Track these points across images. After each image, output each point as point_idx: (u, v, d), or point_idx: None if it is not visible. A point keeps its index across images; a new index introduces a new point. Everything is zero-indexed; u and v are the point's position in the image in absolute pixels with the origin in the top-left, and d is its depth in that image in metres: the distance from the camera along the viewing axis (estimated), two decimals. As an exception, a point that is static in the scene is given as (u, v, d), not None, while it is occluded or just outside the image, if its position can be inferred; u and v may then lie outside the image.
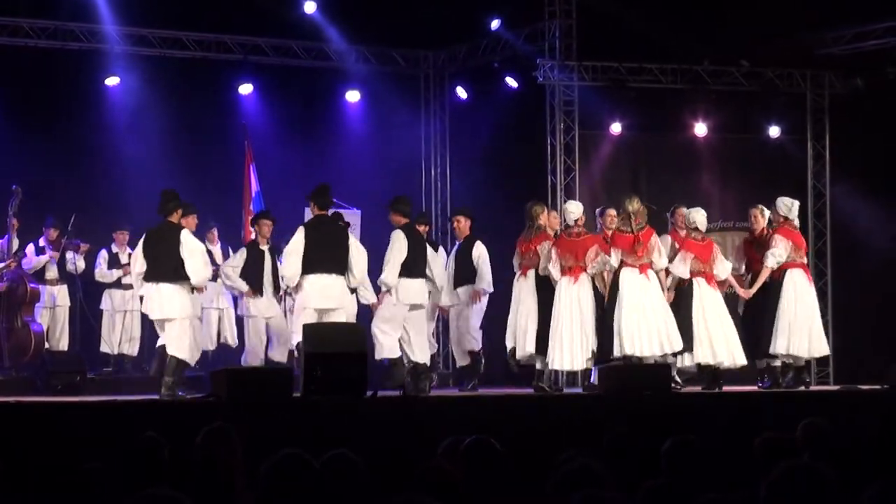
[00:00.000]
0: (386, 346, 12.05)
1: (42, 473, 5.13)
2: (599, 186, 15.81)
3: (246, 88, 16.21)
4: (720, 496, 4.45)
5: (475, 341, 13.12)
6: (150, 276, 11.57)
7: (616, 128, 15.92)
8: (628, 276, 11.92)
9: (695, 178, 15.92)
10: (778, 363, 12.58)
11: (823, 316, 15.30)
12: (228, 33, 15.98)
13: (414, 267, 12.18)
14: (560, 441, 6.58)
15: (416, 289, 12.22)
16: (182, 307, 11.50)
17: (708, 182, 15.92)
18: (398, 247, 12.10)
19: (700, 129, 16.01)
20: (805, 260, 12.82)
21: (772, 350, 12.42)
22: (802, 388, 12.58)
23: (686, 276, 12.23)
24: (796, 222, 12.90)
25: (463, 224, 13.44)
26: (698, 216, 12.52)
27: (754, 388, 12.61)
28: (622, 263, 11.96)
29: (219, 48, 16.05)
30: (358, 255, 11.84)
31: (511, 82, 16.34)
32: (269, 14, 15.50)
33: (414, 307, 12.23)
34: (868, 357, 14.24)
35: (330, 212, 12.36)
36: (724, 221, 15.60)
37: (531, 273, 12.35)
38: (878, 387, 12.07)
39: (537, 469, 5.06)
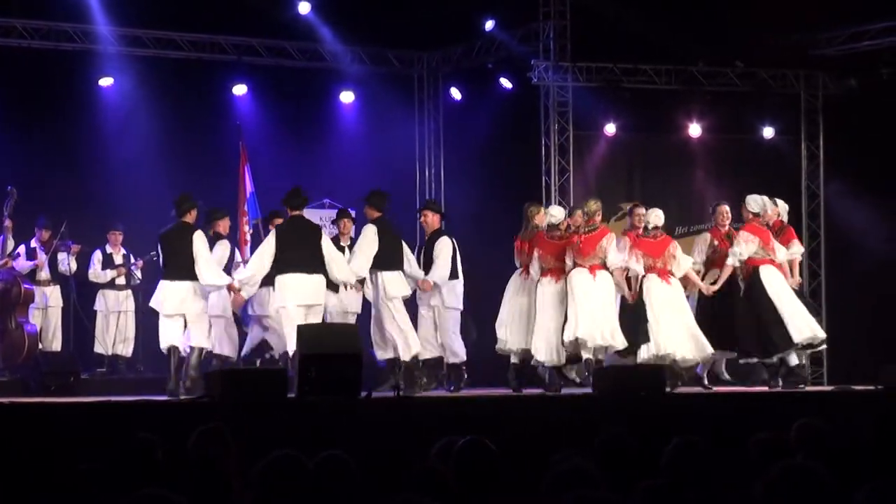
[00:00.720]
0: (412, 344, 12.13)
1: (37, 474, 5.13)
2: (594, 187, 15.82)
3: (240, 89, 16.20)
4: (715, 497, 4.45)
5: (455, 356, 12.77)
6: (167, 274, 12.01)
7: (610, 128, 15.93)
8: (577, 277, 12.19)
9: (689, 179, 15.94)
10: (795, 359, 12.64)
11: (817, 316, 15.35)
12: (222, 34, 15.96)
13: (390, 260, 12.20)
14: (555, 442, 6.57)
15: (396, 281, 12.24)
16: (196, 303, 11.89)
17: (702, 182, 15.94)
18: (368, 240, 12.13)
19: (694, 129, 16.03)
20: (775, 256, 12.72)
21: (797, 339, 12.46)
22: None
23: (641, 272, 12.36)
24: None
25: (430, 218, 13.02)
26: (651, 216, 12.63)
27: (751, 388, 12.60)
28: (574, 264, 12.24)
29: (213, 49, 16.04)
30: (332, 255, 11.88)
31: (505, 83, 16.35)
32: (263, 15, 15.50)
33: (395, 300, 12.26)
34: (862, 358, 14.24)
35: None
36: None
37: None
38: (871, 387, 12.07)
39: (532, 470, 5.06)
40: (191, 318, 11.93)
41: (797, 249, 13.01)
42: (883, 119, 15.38)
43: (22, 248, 14.33)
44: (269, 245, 11.83)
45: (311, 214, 15.06)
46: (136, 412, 9.30)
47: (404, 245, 12.53)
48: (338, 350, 10.37)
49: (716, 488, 5.09)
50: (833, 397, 12.26)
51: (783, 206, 13.13)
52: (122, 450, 5.62)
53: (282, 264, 11.74)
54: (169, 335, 11.99)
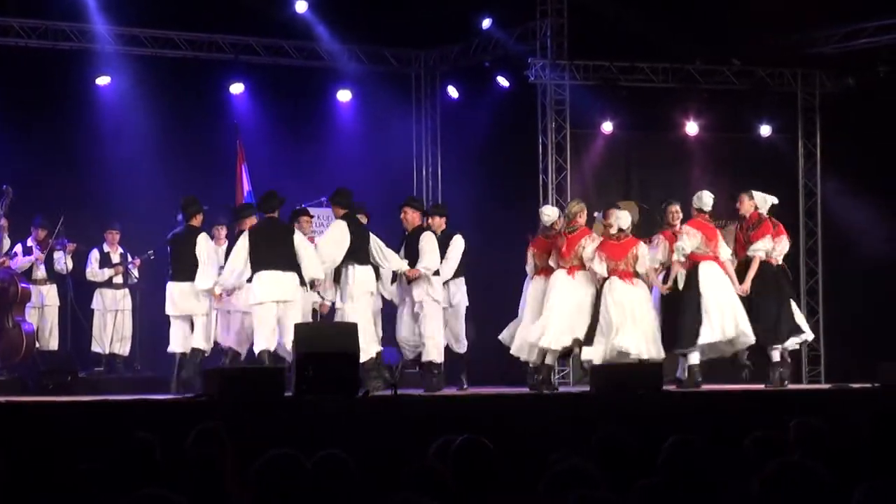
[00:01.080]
0: (369, 348, 11.83)
1: (34, 474, 5.13)
2: (591, 185, 15.84)
3: (237, 88, 16.19)
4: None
5: (435, 352, 12.51)
6: (173, 275, 12.48)
7: (607, 127, 15.94)
8: (554, 279, 12.37)
9: (686, 177, 15.93)
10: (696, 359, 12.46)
11: (815, 314, 15.37)
12: (220, 33, 15.96)
13: (360, 255, 12.11)
14: (552, 440, 6.58)
15: (367, 275, 12.14)
16: (200, 304, 12.36)
17: (699, 180, 15.91)
18: (339, 234, 12.07)
19: (691, 127, 16.03)
20: (720, 252, 12.47)
21: (703, 339, 12.26)
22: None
23: (604, 273, 12.26)
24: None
25: (410, 215, 12.72)
26: (614, 218, 12.48)
27: (743, 386, 12.58)
28: (558, 265, 12.42)
29: (210, 48, 16.03)
30: (304, 252, 11.91)
31: (502, 81, 16.35)
32: (260, 14, 15.49)
33: (364, 295, 12.13)
34: (859, 355, 14.25)
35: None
36: (714, 220, 15.57)
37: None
38: (869, 385, 12.07)
39: (529, 469, 5.06)
40: (196, 318, 12.37)
41: (760, 246, 12.61)
42: (880, 117, 15.39)
43: (19, 247, 14.33)
44: (242, 248, 11.96)
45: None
46: (134, 411, 9.30)
47: (378, 241, 12.37)
48: (335, 349, 10.38)
49: (713, 486, 5.09)
50: (831, 395, 12.26)
51: (760, 199, 12.79)
52: (119, 449, 5.62)
53: (256, 263, 11.86)
54: (177, 340, 12.46)
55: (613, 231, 12.39)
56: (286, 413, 9.31)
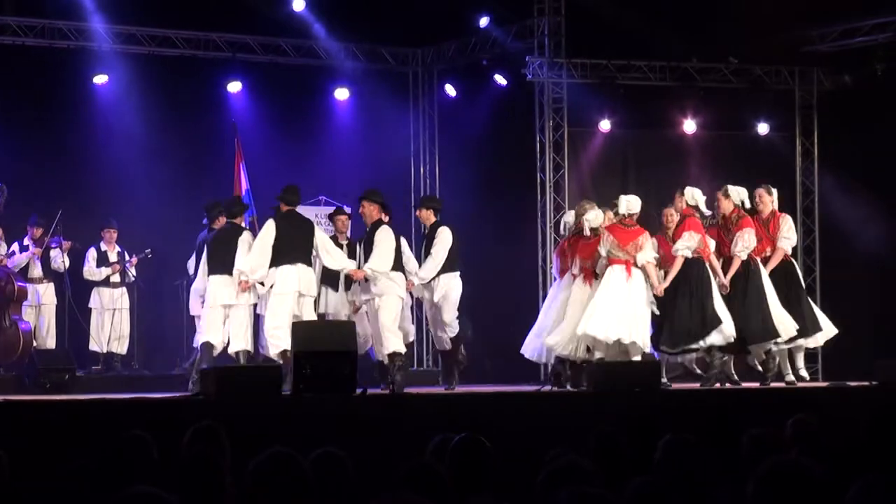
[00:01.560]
0: (280, 343, 11.60)
1: (30, 472, 5.12)
2: (589, 183, 15.84)
3: (234, 86, 16.18)
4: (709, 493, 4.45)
5: (394, 342, 12.06)
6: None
7: (605, 125, 15.95)
8: (560, 283, 12.64)
9: (683, 175, 15.93)
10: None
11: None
12: (217, 31, 15.95)
13: (289, 253, 11.84)
14: (550, 438, 6.58)
15: (292, 276, 11.79)
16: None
17: (696, 179, 15.91)
18: (262, 236, 11.93)
19: (689, 125, 16.04)
20: (640, 256, 12.04)
21: (577, 331, 12.01)
22: None
23: (575, 272, 12.34)
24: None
25: (368, 209, 12.35)
26: (588, 217, 12.35)
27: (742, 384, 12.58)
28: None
29: (208, 46, 16.02)
30: (238, 248, 12.02)
31: (500, 80, 16.35)
32: (257, 12, 15.48)
33: (300, 295, 11.83)
34: (857, 353, 14.26)
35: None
36: (712, 218, 15.57)
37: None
38: (867, 383, 12.08)
39: (527, 466, 5.06)
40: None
41: (680, 245, 12.16)
42: (876, 115, 15.41)
43: (16, 246, 14.34)
44: (203, 257, 12.32)
45: (306, 211, 15.12)
46: (131, 410, 9.30)
47: (325, 240, 12.21)
48: (332, 347, 10.38)
49: (709, 484, 5.09)
50: (828, 393, 12.26)
51: (689, 194, 12.47)
52: (116, 448, 5.62)
53: (210, 268, 12.17)
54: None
55: (586, 232, 12.30)
56: (283, 411, 9.31)
